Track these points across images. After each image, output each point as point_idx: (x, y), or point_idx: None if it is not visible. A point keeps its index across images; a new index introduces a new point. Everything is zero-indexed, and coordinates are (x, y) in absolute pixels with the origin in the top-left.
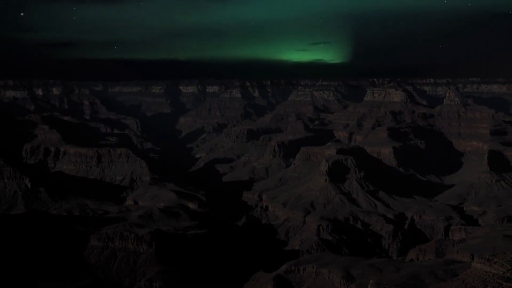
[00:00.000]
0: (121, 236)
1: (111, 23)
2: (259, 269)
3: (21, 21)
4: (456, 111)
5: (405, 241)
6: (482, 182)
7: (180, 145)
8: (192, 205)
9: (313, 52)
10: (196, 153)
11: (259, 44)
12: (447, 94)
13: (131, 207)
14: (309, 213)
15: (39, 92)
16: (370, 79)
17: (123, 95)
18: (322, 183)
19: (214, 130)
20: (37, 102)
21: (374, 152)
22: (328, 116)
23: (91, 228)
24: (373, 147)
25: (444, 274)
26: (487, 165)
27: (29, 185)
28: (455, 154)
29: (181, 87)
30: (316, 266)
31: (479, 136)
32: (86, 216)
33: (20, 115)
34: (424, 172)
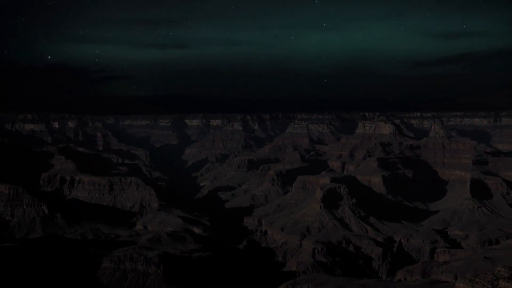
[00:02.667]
0: (131, 258)
1: (128, 64)
2: None
3: (47, 63)
4: (441, 143)
5: (393, 263)
6: (464, 208)
7: (186, 174)
8: (197, 230)
9: None
10: (201, 181)
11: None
12: (433, 127)
13: (141, 231)
14: (305, 237)
15: (56, 125)
16: (362, 113)
17: (133, 128)
18: (317, 209)
19: (217, 160)
20: (53, 134)
21: (365, 181)
22: (323, 147)
23: (103, 250)
24: (364, 176)
25: None
26: (469, 193)
27: (46, 211)
28: (440, 183)
29: (186, 121)
30: (312, 286)
31: (462, 166)
32: (99, 239)
33: (38, 146)
34: (411, 199)
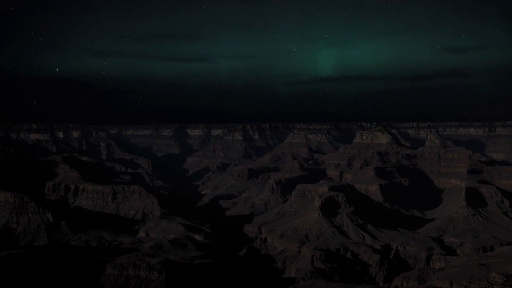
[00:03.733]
0: (134, 265)
1: (135, 77)
2: None
3: (55, 75)
4: (436, 152)
5: (390, 270)
6: (460, 216)
7: (187, 182)
8: (198, 237)
9: None
10: (202, 190)
11: None
12: (429, 136)
13: (143, 238)
14: (304, 244)
15: (60, 135)
16: (359, 123)
17: (136, 137)
18: (316, 217)
19: (218, 169)
20: (58, 144)
21: (363, 189)
22: (321, 156)
23: (107, 257)
24: (362, 185)
25: None
26: (464, 201)
27: (51, 219)
28: (436, 191)
29: (188, 130)
30: None
31: (458, 174)
32: (103, 247)
33: (43, 156)
34: (407, 207)
